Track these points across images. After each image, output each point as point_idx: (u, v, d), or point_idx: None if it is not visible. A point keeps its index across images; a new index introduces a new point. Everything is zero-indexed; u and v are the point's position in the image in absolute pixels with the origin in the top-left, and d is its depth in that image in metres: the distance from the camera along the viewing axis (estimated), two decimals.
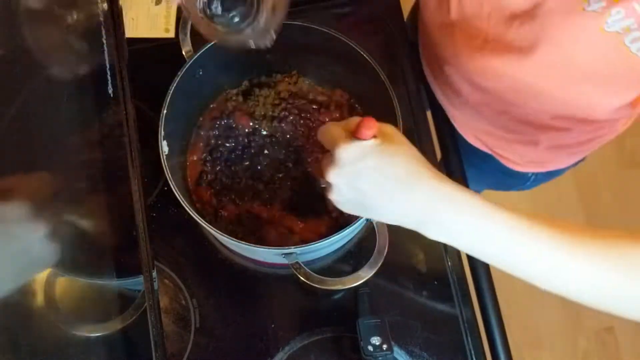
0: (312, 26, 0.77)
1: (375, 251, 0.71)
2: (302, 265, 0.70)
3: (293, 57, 0.85)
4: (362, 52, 0.76)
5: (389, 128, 0.57)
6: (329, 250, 0.82)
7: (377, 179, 0.54)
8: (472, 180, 1.07)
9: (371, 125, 0.54)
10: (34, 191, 0.57)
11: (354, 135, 0.56)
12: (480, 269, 0.85)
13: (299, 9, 0.95)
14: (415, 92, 0.92)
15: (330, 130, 0.58)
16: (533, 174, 0.94)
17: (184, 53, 0.77)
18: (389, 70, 0.90)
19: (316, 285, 0.69)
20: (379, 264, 0.71)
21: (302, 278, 0.70)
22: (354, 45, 0.76)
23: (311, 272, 0.70)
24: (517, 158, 0.91)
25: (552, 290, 0.55)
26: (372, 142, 0.55)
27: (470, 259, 0.87)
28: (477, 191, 1.30)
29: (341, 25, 0.94)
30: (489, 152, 0.92)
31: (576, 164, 0.95)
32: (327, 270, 0.83)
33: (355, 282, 0.70)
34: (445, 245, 0.85)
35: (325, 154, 0.61)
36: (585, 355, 1.65)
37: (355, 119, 0.57)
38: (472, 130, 0.91)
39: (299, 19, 0.78)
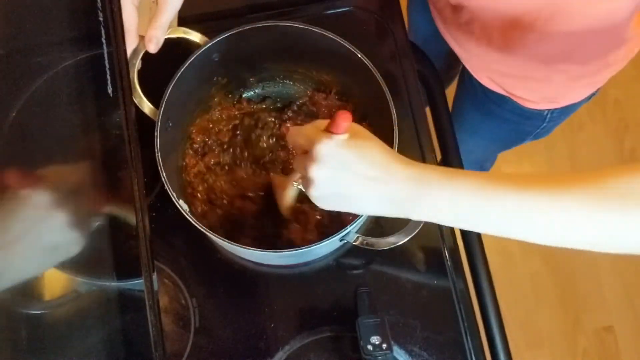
0: (308, 27, 0.77)
1: None
2: (364, 236, 0.73)
3: (288, 60, 0.85)
4: (357, 53, 0.76)
5: (356, 126, 0.60)
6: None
7: (357, 170, 0.57)
8: (487, 135, 1.08)
9: (347, 117, 0.57)
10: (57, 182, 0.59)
11: (328, 130, 0.58)
12: (479, 268, 0.86)
13: (294, 9, 0.95)
14: (414, 92, 0.92)
15: (303, 130, 0.61)
16: (548, 111, 0.94)
17: (146, 112, 0.76)
18: (388, 70, 0.90)
19: (383, 248, 0.73)
20: None
21: (366, 247, 0.73)
22: (349, 46, 0.76)
23: (375, 239, 0.73)
24: (531, 96, 0.91)
25: (552, 244, 0.56)
26: (346, 136, 0.57)
27: (470, 258, 0.87)
28: (491, 154, 1.30)
29: (338, 26, 0.94)
30: (504, 93, 0.92)
31: (589, 98, 0.94)
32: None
33: (415, 230, 0.72)
34: (445, 245, 0.85)
35: (297, 155, 0.63)
36: (584, 354, 1.65)
37: (322, 121, 0.60)
38: (485, 72, 0.92)
39: (294, 20, 0.78)
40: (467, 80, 0.98)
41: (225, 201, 0.82)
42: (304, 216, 0.81)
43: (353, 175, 0.57)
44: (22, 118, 0.69)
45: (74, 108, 0.75)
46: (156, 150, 0.72)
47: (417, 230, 0.71)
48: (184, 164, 0.84)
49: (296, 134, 0.62)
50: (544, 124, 0.98)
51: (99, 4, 0.72)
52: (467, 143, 0.96)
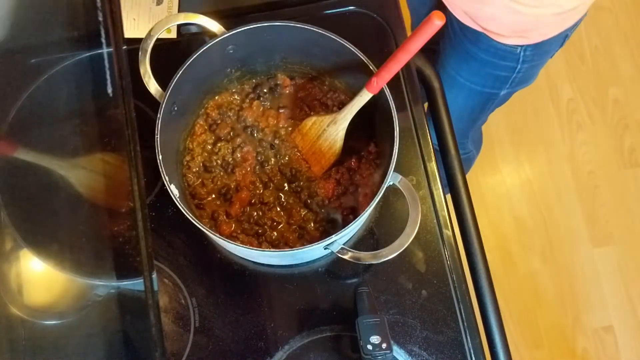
0: (306, 27, 0.77)
1: (410, 211, 0.72)
2: (349, 248, 0.72)
3: (287, 58, 0.85)
4: (356, 52, 0.76)
5: None
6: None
7: None
8: (466, 85, 1.10)
9: None
10: None
11: None
12: (479, 268, 0.86)
13: (293, 9, 0.95)
14: (414, 91, 0.92)
15: None
16: (521, 49, 0.96)
17: (152, 92, 0.77)
18: None
19: (367, 262, 0.73)
20: (417, 223, 0.72)
21: (351, 260, 0.72)
22: (348, 46, 0.76)
23: (358, 252, 0.72)
24: (502, 29, 0.93)
25: None
26: None
27: (470, 258, 0.87)
28: (475, 115, 1.31)
29: (337, 26, 0.94)
30: (477, 27, 0.94)
31: (562, 41, 0.97)
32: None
33: (402, 248, 0.71)
34: (445, 245, 0.85)
35: None
36: (584, 354, 1.65)
37: None
38: (459, 3, 0.94)
39: (294, 20, 0.78)
40: (447, 24, 0.99)
41: (220, 170, 0.83)
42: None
43: None
44: (22, 117, 0.69)
45: (74, 107, 0.75)
46: (157, 130, 0.72)
47: (406, 245, 0.71)
48: (193, 131, 0.84)
49: None
50: (519, 66, 0.99)
51: (99, 4, 0.73)
52: (451, 103, 0.97)
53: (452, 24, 0.99)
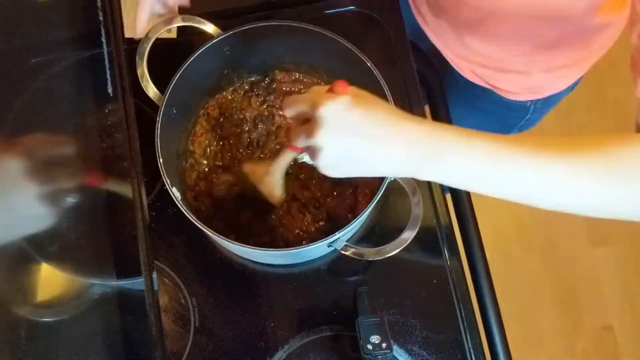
0: (307, 27, 0.77)
1: (412, 207, 0.72)
2: (352, 245, 0.72)
3: (283, 57, 0.85)
4: (357, 53, 0.76)
5: (356, 89, 0.58)
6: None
7: (367, 130, 0.55)
8: (474, 126, 1.09)
9: (345, 84, 0.56)
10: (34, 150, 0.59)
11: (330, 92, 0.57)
12: (479, 268, 0.86)
13: (294, 10, 0.95)
14: (414, 92, 0.92)
15: (303, 96, 0.59)
16: (531, 102, 0.94)
17: (150, 96, 0.77)
18: (388, 70, 0.90)
19: (371, 259, 0.72)
20: (420, 217, 0.72)
21: (355, 257, 0.72)
22: (349, 46, 0.76)
23: (362, 248, 0.72)
24: (512, 87, 0.92)
25: (555, 209, 0.56)
26: (349, 96, 0.55)
27: (470, 258, 0.87)
28: None
29: (337, 26, 0.94)
30: (486, 85, 0.93)
31: (572, 87, 0.96)
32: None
33: (406, 243, 0.71)
34: (445, 244, 0.85)
35: (295, 127, 0.61)
36: (584, 353, 1.65)
37: (321, 87, 0.59)
38: (467, 64, 0.93)
39: (294, 20, 0.79)
40: (451, 74, 0.98)
41: (221, 171, 0.83)
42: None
43: (363, 136, 0.55)
44: (23, 116, 0.69)
45: (74, 107, 0.75)
46: (156, 134, 0.72)
47: (409, 241, 0.71)
48: (194, 132, 0.84)
49: (295, 100, 0.59)
50: (528, 116, 0.98)
51: (99, 4, 0.73)
52: None
53: (457, 80, 0.97)
